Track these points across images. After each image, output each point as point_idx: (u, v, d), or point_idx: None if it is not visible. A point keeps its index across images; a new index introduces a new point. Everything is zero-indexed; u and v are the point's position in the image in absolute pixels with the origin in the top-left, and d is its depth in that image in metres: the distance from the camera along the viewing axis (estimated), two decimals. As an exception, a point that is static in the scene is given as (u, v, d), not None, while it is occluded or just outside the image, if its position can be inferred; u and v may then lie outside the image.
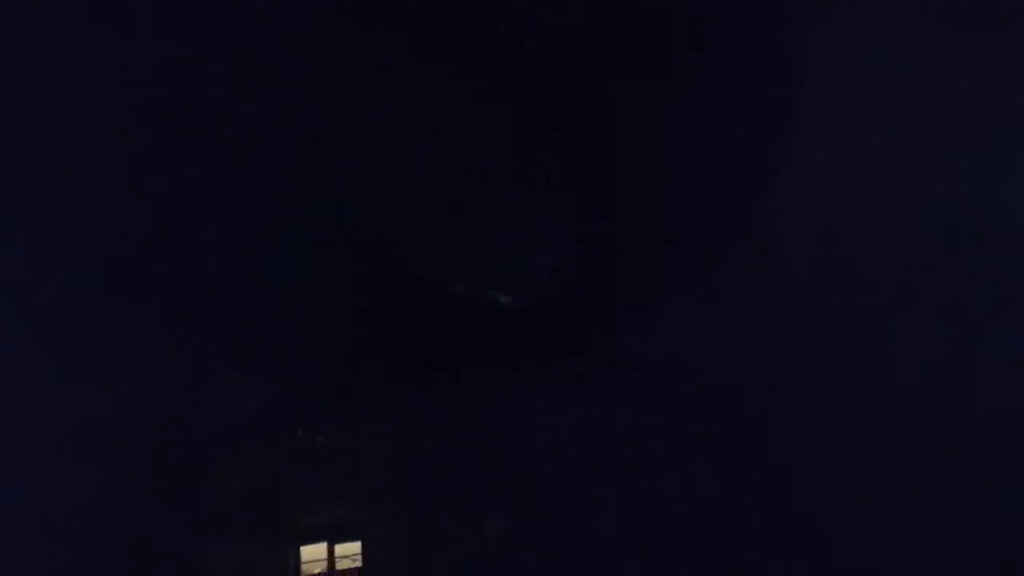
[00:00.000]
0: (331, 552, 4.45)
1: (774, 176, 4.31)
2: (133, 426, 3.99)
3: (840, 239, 4.20)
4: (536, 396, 4.45)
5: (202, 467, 4.22)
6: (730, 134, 4.35)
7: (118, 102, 3.61)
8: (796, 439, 4.07)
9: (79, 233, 3.80)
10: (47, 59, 3.48)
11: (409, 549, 4.41)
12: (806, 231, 4.25)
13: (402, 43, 3.84)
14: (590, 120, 4.33)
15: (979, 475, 3.84)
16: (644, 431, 4.27)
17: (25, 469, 3.75)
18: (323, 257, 4.17)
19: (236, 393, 4.31)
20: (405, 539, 4.42)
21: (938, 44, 3.99)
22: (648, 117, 4.32)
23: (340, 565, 4.44)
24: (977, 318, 3.91)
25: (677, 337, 4.34)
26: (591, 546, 4.19)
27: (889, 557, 3.85)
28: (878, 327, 4.10)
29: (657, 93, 4.33)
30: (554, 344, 4.55)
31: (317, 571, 4.44)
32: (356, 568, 4.43)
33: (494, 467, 4.43)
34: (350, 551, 4.46)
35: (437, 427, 4.50)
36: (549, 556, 4.21)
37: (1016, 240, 3.89)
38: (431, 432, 4.51)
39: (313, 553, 4.43)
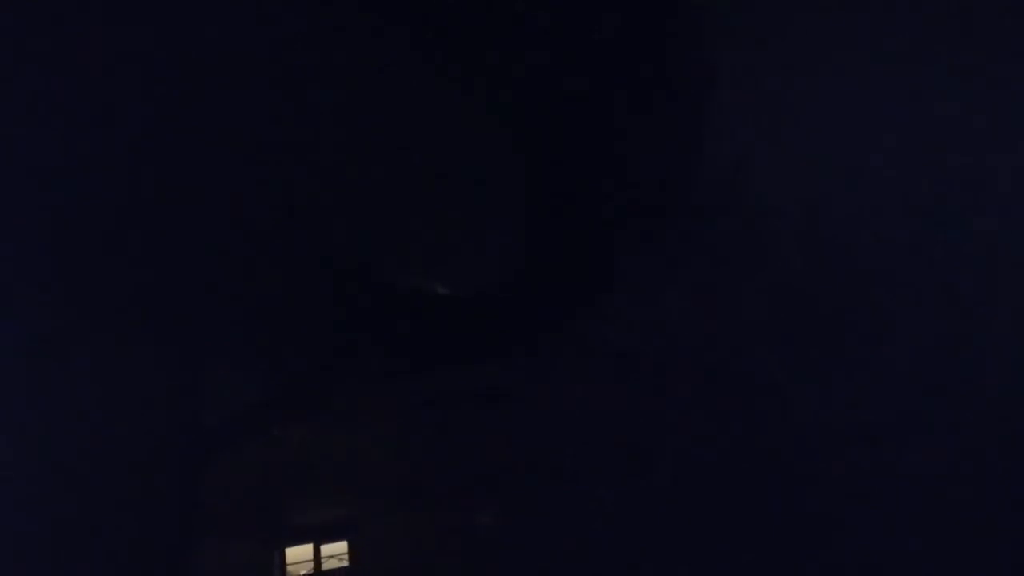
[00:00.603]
0: (317, 553, 4.32)
1: (768, 171, 4.29)
2: (118, 427, 3.88)
3: (837, 234, 4.19)
4: (527, 393, 4.38)
5: (186, 468, 4.11)
6: (725, 129, 4.33)
7: (115, 106, 3.53)
8: (794, 437, 4.04)
9: (71, 236, 3.70)
10: (45, 62, 3.40)
11: (396, 548, 4.31)
12: (802, 226, 4.24)
13: (360, 44, 3.77)
14: (585, 114, 4.30)
15: (979, 471, 3.83)
16: (640, 428, 4.21)
17: (12, 471, 3.63)
18: (297, 262, 4.09)
19: (220, 395, 4.20)
20: (392, 538, 4.31)
21: (933, 44, 4.00)
22: (643, 113, 4.30)
23: (326, 565, 4.32)
24: (976, 314, 3.92)
25: (673, 332, 4.29)
26: (584, 545, 4.12)
27: (890, 556, 3.82)
28: (875, 322, 4.09)
29: (652, 89, 4.31)
30: (548, 339, 4.48)
31: (303, 572, 4.32)
32: (343, 568, 4.31)
33: (483, 465, 4.35)
34: (336, 551, 4.34)
35: (426, 426, 4.41)
36: (539, 555, 4.13)
37: (1014, 236, 3.90)
38: (420, 431, 4.42)
39: (299, 554, 4.31)
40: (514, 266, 4.29)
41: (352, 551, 4.31)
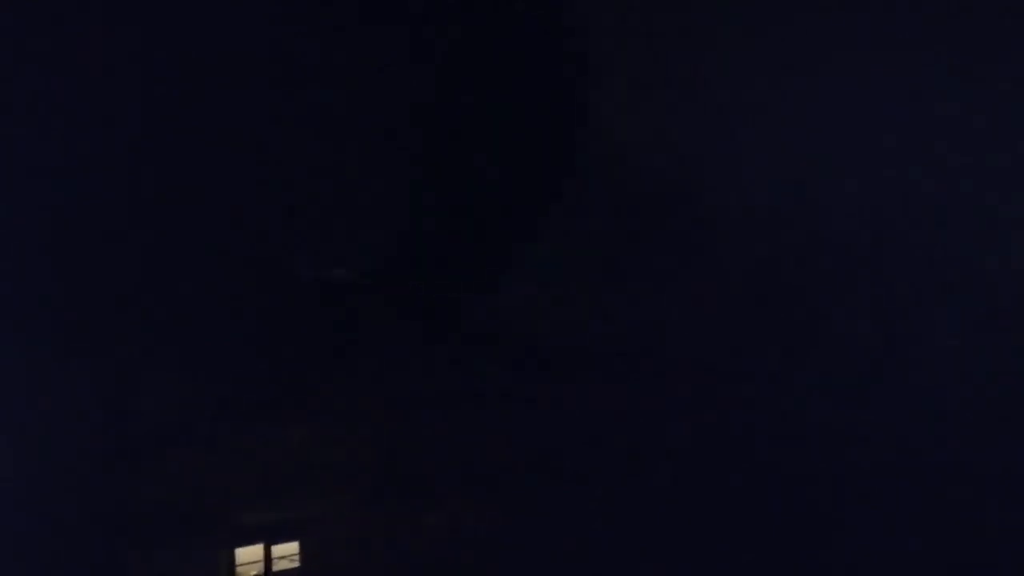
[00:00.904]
0: (268, 553, 3.89)
1: (767, 172, 4.22)
2: (65, 429, 3.55)
3: (837, 235, 4.13)
4: (492, 392, 4.14)
5: (133, 470, 3.73)
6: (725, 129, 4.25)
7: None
8: (793, 437, 3.90)
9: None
10: (45, 62, 3.27)
11: (348, 548, 3.96)
12: (802, 227, 4.16)
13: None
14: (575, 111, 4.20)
15: (978, 471, 3.77)
16: (630, 426, 4.00)
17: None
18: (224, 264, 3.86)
19: (166, 396, 3.85)
20: (344, 538, 3.97)
21: (933, 44, 4.05)
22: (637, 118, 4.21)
23: (277, 566, 3.90)
24: (976, 313, 3.90)
25: (673, 333, 4.13)
26: (547, 545, 3.87)
27: (890, 557, 3.70)
28: (876, 323, 4.03)
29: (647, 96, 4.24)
30: (531, 338, 4.25)
31: (254, 573, 3.87)
32: (294, 568, 3.90)
33: (436, 464, 4.09)
34: (288, 551, 3.92)
35: (378, 426, 4.13)
36: (487, 554, 3.87)
37: (1014, 236, 3.93)
38: (372, 431, 4.13)
39: (249, 555, 3.86)
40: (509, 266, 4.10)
41: (303, 551, 3.93)
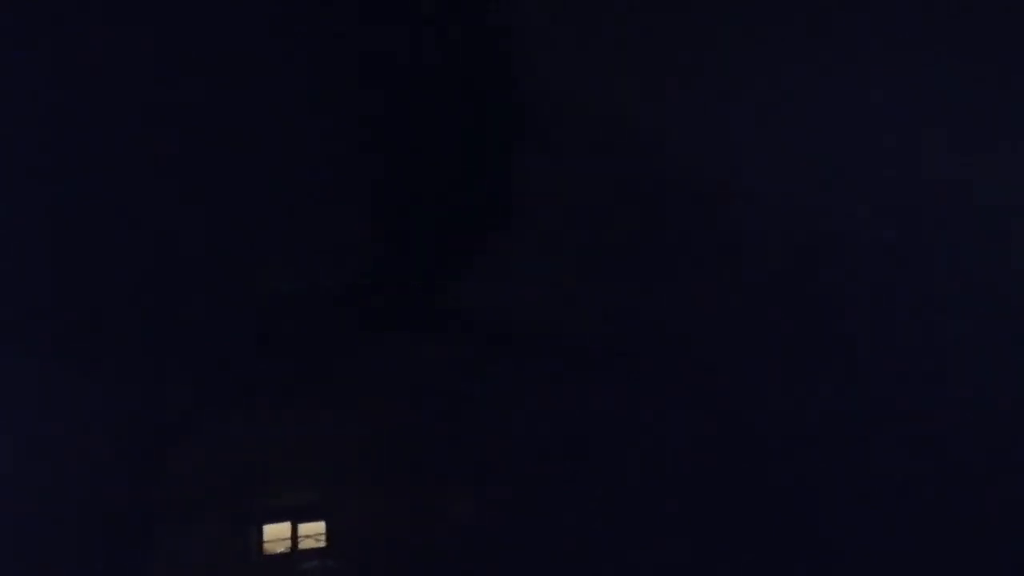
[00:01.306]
0: (295, 531, 4.23)
1: (765, 173, 4.28)
2: (95, 413, 3.83)
3: (838, 236, 4.15)
4: (510, 385, 4.31)
5: (165, 450, 4.06)
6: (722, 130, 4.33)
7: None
8: (792, 438, 3.95)
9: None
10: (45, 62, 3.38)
11: (372, 528, 4.22)
12: (802, 229, 4.21)
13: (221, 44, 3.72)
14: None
15: (970, 471, 3.73)
16: (636, 428, 4.13)
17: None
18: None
19: (195, 382, 4.16)
20: (368, 518, 4.23)
21: (933, 44, 4.04)
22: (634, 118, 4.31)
23: (303, 544, 4.23)
24: (975, 315, 3.86)
25: (669, 333, 4.23)
26: (572, 536, 4.01)
27: (884, 556, 3.70)
28: (876, 325, 4.03)
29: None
30: (533, 338, 4.42)
31: (280, 550, 4.22)
32: (320, 548, 4.22)
33: (460, 448, 4.27)
34: (314, 531, 4.24)
35: (403, 409, 4.34)
36: (510, 538, 4.03)
37: (1012, 236, 3.87)
38: (397, 415, 4.35)
39: (277, 532, 4.21)
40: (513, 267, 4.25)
41: (329, 531, 4.23)
